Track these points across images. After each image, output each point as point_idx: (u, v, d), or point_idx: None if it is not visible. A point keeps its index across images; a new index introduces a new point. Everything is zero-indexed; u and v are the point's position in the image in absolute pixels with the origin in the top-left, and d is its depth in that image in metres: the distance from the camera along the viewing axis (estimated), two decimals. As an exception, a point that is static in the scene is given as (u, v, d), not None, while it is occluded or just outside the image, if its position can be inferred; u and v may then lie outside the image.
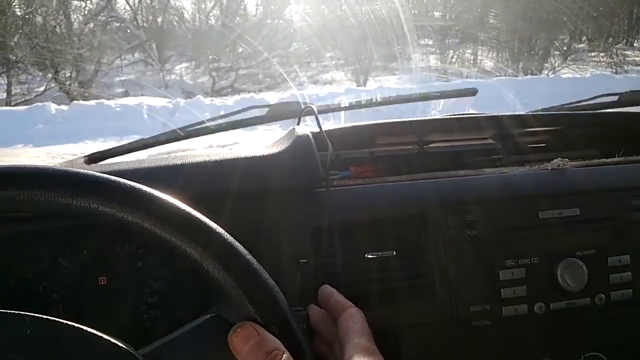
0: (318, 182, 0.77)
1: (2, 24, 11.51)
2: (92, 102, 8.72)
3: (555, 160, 0.84)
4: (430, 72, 14.28)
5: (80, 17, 13.69)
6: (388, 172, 0.90)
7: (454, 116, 1.05)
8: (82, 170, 0.50)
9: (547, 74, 11.34)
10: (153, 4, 15.27)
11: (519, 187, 0.81)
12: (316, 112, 0.90)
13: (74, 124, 6.82)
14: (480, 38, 11.28)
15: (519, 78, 10.71)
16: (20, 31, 11.81)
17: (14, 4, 11.95)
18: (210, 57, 14.34)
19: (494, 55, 11.75)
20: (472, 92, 1.22)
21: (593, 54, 13.22)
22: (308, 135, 0.80)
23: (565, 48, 12.53)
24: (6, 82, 11.90)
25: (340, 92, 8.41)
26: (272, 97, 8.63)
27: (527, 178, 0.83)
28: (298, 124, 0.93)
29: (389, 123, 0.98)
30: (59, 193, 0.48)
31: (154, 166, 0.75)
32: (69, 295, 0.70)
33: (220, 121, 1.08)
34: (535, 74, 11.02)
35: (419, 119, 1.00)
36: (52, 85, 12.09)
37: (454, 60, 12.79)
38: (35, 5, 12.29)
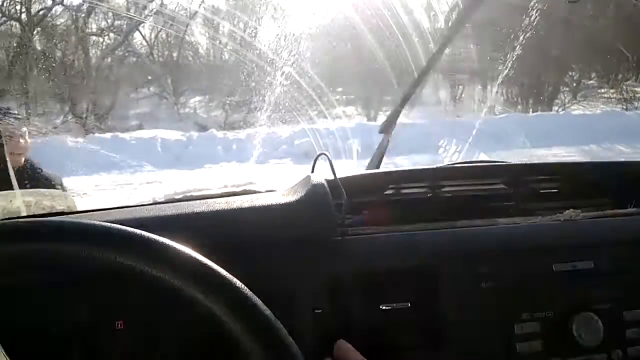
0: (333, 231, 0.77)
1: (23, 58, 11.89)
2: (108, 135, 8.89)
3: (567, 211, 0.85)
4: (440, 107, 14.39)
5: (98, 52, 14.12)
6: (401, 216, 0.91)
7: (465, 164, 1.06)
8: (114, 226, 0.52)
9: (557, 110, 11.37)
10: (169, 40, 15.71)
11: (532, 238, 0.81)
12: (330, 159, 0.91)
13: (90, 156, 6.94)
14: (489, 74, 11.39)
15: (529, 114, 10.76)
16: (40, 65, 12.19)
17: (35, 38, 12.39)
18: (224, 91, 14.62)
19: (504, 91, 11.85)
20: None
21: (603, 90, 13.27)
22: (323, 184, 0.80)
23: (574, 84, 12.61)
24: (25, 113, 12.19)
25: (351, 127, 8.48)
26: (284, 131, 8.74)
27: (540, 229, 0.83)
28: (312, 171, 0.93)
29: (402, 171, 0.99)
30: (105, 249, 0.51)
31: (171, 214, 0.76)
32: (87, 340, 0.71)
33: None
34: (545, 111, 11.07)
35: (431, 167, 1.02)
36: (69, 117, 12.36)
37: (463, 95, 12.91)
38: (55, 41, 12.71)
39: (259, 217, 0.76)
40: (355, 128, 8.19)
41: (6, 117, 1.40)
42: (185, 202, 0.84)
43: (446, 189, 1.01)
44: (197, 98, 15.83)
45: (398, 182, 0.99)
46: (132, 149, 7.64)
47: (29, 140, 1.42)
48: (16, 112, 1.40)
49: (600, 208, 0.92)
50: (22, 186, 1.40)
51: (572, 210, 0.85)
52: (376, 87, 11.77)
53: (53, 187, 1.48)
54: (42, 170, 1.50)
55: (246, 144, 8.06)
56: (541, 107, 11.38)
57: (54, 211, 0.80)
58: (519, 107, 11.34)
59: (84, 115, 12.37)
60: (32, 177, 1.44)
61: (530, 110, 11.35)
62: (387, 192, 0.99)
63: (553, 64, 10.81)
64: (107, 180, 5.93)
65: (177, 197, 0.90)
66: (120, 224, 0.55)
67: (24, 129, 1.42)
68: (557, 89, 11.93)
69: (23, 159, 1.42)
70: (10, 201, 0.78)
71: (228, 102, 14.23)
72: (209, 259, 0.54)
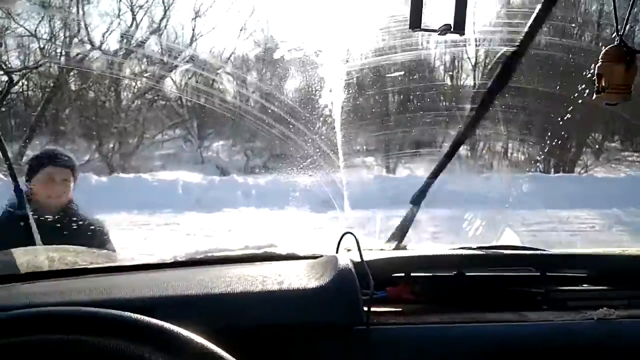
0: (359, 319, 0.74)
1: (57, 98, 12.41)
2: (131, 175, 9.08)
3: (601, 309, 0.81)
4: (461, 164, 14.40)
5: (129, 95, 14.67)
6: (428, 298, 0.89)
7: (494, 249, 1.04)
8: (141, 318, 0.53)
9: (579, 172, 11.26)
10: (198, 86, 16.24)
11: (565, 337, 0.78)
12: (358, 241, 0.86)
13: (112, 195, 7.07)
14: (511, 131, 11.42)
15: (551, 175, 10.65)
16: (73, 104, 12.68)
17: (70, 79, 12.97)
18: (246, 136, 14.93)
19: (525, 149, 11.83)
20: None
21: (626, 153, 13.14)
22: (350, 270, 0.77)
23: (597, 146, 12.53)
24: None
25: (370, 178, 8.50)
26: (303, 179, 8.80)
27: (573, 328, 0.79)
28: (337, 251, 0.90)
29: (431, 255, 0.97)
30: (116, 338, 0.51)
31: (189, 295, 0.71)
32: None
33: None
34: (567, 172, 10.96)
35: (458, 251, 1.00)
36: (96, 156, 12.71)
37: (484, 152, 12.91)
38: (89, 82, 13.28)
39: (282, 301, 0.73)
40: (374, 179, 8.22)
41: (54, 161, 1.44)
42: (205, 269, 0.83)
43: (474, 273, 0.98)
44: (221, 142, 16.17)
45: (425, 267, 0.97)
46: (153, 190, 7.77)
47: (71, 185, 1.45)
48: (66, 157, 1.44)
49: (633, 302, 0.88)
50: (63, 228, 1.43)
51: (605, 309, 0.81)
52: (395, 139, 11.87)
53: (94, 231, 1.50)
54: (82, 214, 1.51)
55: (265, 190, 8.11)
56: (563, 168, 11.28)
57: (77, 267, 0.80)
58: (541, 167, 11.27)
59: (110, 155, 12.69)
60: (73, 220, 1.46)
61: (552, 170, 11.26)
62: (413, 275, 0.96)
63: (576, 125, 10.81)
64: (127, 220, 6.00)
65: (198, 256, 0.89)
66: (142, 303, 0.55)
67: (70, 174, 1.44)
68: (579, 150, 11.86)
69: (65, 202, 1.45)
70: (35, 256, 0.79)
71: (250, 147, 14.50)
72: (231, 344, 0.53)
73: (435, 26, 0.80)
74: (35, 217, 1.43)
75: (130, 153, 13.16)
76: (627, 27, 0.88)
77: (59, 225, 1.44)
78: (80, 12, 13.14)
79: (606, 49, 0.89)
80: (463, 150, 13.78)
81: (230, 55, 15.86)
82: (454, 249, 1.01)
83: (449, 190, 7.63)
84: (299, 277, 0.78)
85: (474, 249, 1.02)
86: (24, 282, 0.74)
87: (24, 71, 13.05)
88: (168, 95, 15.76)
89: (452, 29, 0.78)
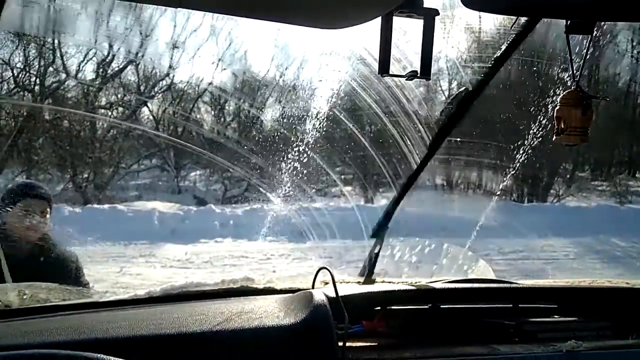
0: (334, 356, 0.74)
1: (31, 127, 12.21)
2: (106, 206, 8.93)
3: (569, 342, 0.84)
4: (437, 191, 14.61)
5: (105, 124, 14.55)
6: (401, 329, 0.90)
7: (466, 283, 1.06)
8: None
9: (552, 201, 11.52)
10: (175, 116, 16.22)
11: None
12: (333, 276, 0.85)
13: (86, 226, 6.91)
14: (484, 162, 11.67)
15: (524, 204, 10.87)
16: (47, 134, 12.48)
17: (44, 109, 12.78)
18: (224, 166, 14.88)
19: (497, 179, 12.08)
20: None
21: (596, 182, 13.53)
22: (325, 305, 0.77)
23: (568, 176, 12.88)
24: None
25: (348, 207, 8.53)
26: (281, 208, 8.77)
27: None
28: (313, 286, 0.90)
29: (405, 290, 0.98)
30: None
31: (165, 334, 0.70)
32: None
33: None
34: (540, 201, 11.21)
35: (434, 284, 1.02)
36: (70, 186, 12.46)
37: (459, 181, 13.13)
38: (64, 112, 13.11)
39: (256, 341, 0.72)
40: (351, 210, 8.24)
41: (30, 194, 1.42)
42: (180, 305, 0.82)
43: (448, 305, 1.00)
44: (197, 172, 16.07)
45: (400, 300, 0.98)
46: (128, 221, 7.64)
47: (48, 218, 1.43)
48: (42, 190, 1.42)
49: (601, 334, 0.91)
50: (37, 262, 1.40)
51: (574, 341, 0.84)
52: (373, 169, 11.98)
53: (67, 264, 1.47)
54: (56, 247, 1.49)
55: (243, 220, 8.05)
56: (536, 198, 11.53)
57: (48, 304, 0.79)
58: (514, 196, 11.49)
59: (84, 185, 12.46)
60: (48, 254, 1.43)
61: (525, 200, 11.50)
62: (389, 308, 0.97)
63: (547, 155, 11.12)
64: (101, 252, 5.87)
65: (173, 292, 0.88)
66: (114, 342, 0.54)
67: (47, 206, 1.43)
68: (551, 179, 12.16)
69: (40, 235, 1.42)
70: (6, 293, 0.78)
71: (228, 177, 14.44)
72: None
73: (403, 72, 0.83)
74: (10, 250, 1.40)
75: (105, 183, 12.96)
76: (584, 71, 0.93)
77: (33, 258, 1.41)
78: (56, 40, 13.08)
79: (563, 93, 0.93)
80: (439, 180, 13.99)
81: (208, 86, 15.96)
82: (430, 282, 1.03)
83: (422, 219, 7.72)
84: (274, 313, 0.78)
85: (450, 281, 1.05)
86: None
87: (-4, 100, 12.86)
88: (144, 124, 15.70)
89: (418, 75, 0.80)
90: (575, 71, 0.91)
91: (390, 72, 0.80)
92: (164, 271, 4.84)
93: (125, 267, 5.17)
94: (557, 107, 0.93)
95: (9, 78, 13.01)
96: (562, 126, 0.93)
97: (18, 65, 12.92)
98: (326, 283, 0.92)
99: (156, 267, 5.33)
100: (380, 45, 0.77)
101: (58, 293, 0.80)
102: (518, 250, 6.59)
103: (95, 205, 9.06)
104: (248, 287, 0.93)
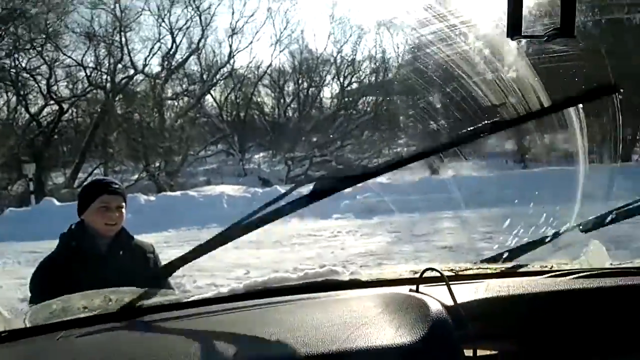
0: None
1: (105, 122, 12.93)
2: (178, 193, 9.32)
3: None
4: (507, 158, 13.95)
5: (172, 114, 15.12)
6: (525, 336, 0.74)
7: (603, 277, 0.81)
8: None
9: (637, 160, 10.73)
10: (237, 101, 16.57)
11: None
12: (447, 279, 0.70)
13: (161, 213, 7.27)
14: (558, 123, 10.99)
15: (616, 165, 10.16)
16: (120, 127, 13.20)
17: (117, 103, 13.48)
18: (286, 146, 15.07)
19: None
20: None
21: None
22: (446, 320, 0.63)
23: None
24: (102, 172, 13.16)
25: (414, 181, 8.38)
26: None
27: None
28: (417, 290, 0.74)
29: (542, 291, 0.78)
30: None
31: (253, 341, 0.63)
32: None
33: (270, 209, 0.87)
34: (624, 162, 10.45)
35: (562, 280, 0.81)
36: (143, 175, 13.15)
37: (530, 145, 12.48)
38: (134, 105, 13.78)
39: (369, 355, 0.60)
40: (419, 183, 8.09)
41: (106, 190, 1.48)
42: (266, 309, 0.74)
43: (581, 307, 0.77)
44: (261, 154, 16.40)
45: (526, 300, 0.75)
46: (200, 206, 7.94)
47: (124, 211, 1.49)
48: (117, 185, 1.47)
49: None
50: (117, 255, 1.47)
51: None
52: (437, 136, 11.61)
53: (145, 255, 1.52)
54: (134, 239, 1.55)
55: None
56: (622, 158, 10.77)
57: (134, 307, 0.78)
58: (606, 155, 10.78)
59: (157, 174, 13.08)
60: (126, 247, 1.49)
61: (607, 159, 10.75)
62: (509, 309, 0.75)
63: (629, 109, 10.31)
64: (176, 237, 6.15)
65: (257, 287, 0.83)
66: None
67: (122, 201, 1.49)
68: (635, 138, 11.29)
69: (118, 229, 1.49)
70: (92, 300, 0.80)
71: (290, 157, 14.62)
72: None
73: (538, 32, 0.69)
74: (92, 245, 1.48)
75: (175, 170, 13.54)
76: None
77: (114, 251, 1.48)
78: (123, 39, 13.66)
79: None
80: (509, 145, 13.36)
81: (267, 69, 16.15)
82: (555, 272, 0.83)
83: (499, 189, 7.39)
84: (381, 323, 0.66)
85: (580, 273, 0.82)
86: (84, 326, 0.72)
87: (73, 99, 13.67)
88: (209, 111, 16.17)
89: (559, 34, 0.67)
90: None
91: (524, 34, 0.68)
92: (236, 252, 4.97)
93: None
94: None
95: (83, 77, 13.79)
96: None
97: (90, 65, 13.65)
98: (421, 275, 0.77)
99: (228, 249, 5.48)
100: (509, 2, 0.65)
101: (142, 296, 0.81)
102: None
103: (168, 193, 9.47)
104: (333, 280, 0.83)
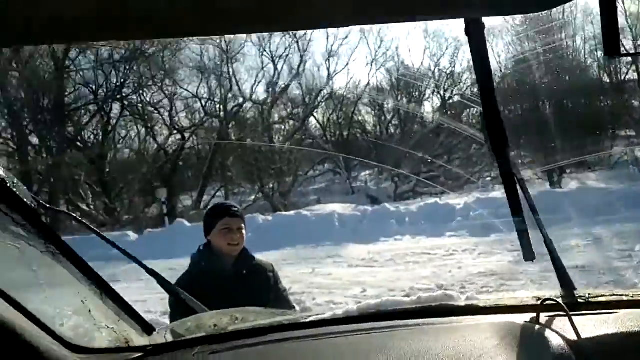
0: None
1: (222, 148, 13.91)
2: (292, 212, 9.67)
3: None
4: (637, 166, 12.49)
5: (281, 137, 15.83)
6: None
7: None
8: None
9: None
10: (339, 121, 16.91)
11: None
12: (568, 311, 0.65)
13: (277, 232, 7.58)
14: None
15: None
16: (235, 153, 14.10)
17: (230, 130, 14.45)
18: (392, 163, 14.94)
19: None
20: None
21: None
22: (569, 357, 0.60)
23: None
24: (224, 194, 14.17)
25: (534, 195, 7.84)
26: (458, 201, 8.39)
27: None
28: (537, 320, 0.70)
29: None
30: None
31: None
32: None
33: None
34: None
35: None
36: (260, 196, 13.88)
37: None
38: (246, 131, 14.66)
39: None
40: (537, 195, 7.56)
41: (227, 213, 1.59)
42: (380, 334, 0.75)
43: None
44: (367, 172, 16.47)
45: None
46: (313, 224, 8.15)
47: (244, 232, 1.59)
48: (236, 208, 1.59)
49: None
50: (240, 274, 1.57)
51: None
52: (556, 146, 10.72)
53: (266, 274, 1.61)
54: (255, 259, 1.64)
55: (418, 217, 7.96)
56: None
57: (258, 326, 0.83)
58: None
59: (271, 194, 13.71)
60: (248, 266, 1.59)
61: None
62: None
63: None
64: (293, 255, 6.35)
65: (371, 310, 0.83)
66: None
67: (242, 222, 1.59)
68: None
69: (240, 249, 1.59)
70: (221, 319, 0.87)
71: (397, 174, 14.47)
72: None
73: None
74: (218, 265, 1.58)
75: (288, 191, 14.08)
76: None
77: (238, 270, 1.58)
78: (231, 70, 14.63)
79: None
80: (638, 152, 12.02)
81: (365, 87, 16.32)
82: None
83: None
84: (500, 353, 0.64)
85: None
86: (214, 343, 0.79)
87: (192, 128, 14.88)
88: (313, 133, 16.67)
89: None
90: None
91: (622, 52, 0.65)
92: (351, 270, 5.01)
93: (316, 268, 5.48)
94: None
95: (199, 108, 14.98)
96: None
97: (204, 97, 14.80)
98: (542, 302, 0.73)
99: (344, 267, 5.53)
100: (604, 21, 0.61)
101: (265, 315, 0.85)
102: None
103: (283, 212, 9.86)
104: (448, 306, 0.81)
